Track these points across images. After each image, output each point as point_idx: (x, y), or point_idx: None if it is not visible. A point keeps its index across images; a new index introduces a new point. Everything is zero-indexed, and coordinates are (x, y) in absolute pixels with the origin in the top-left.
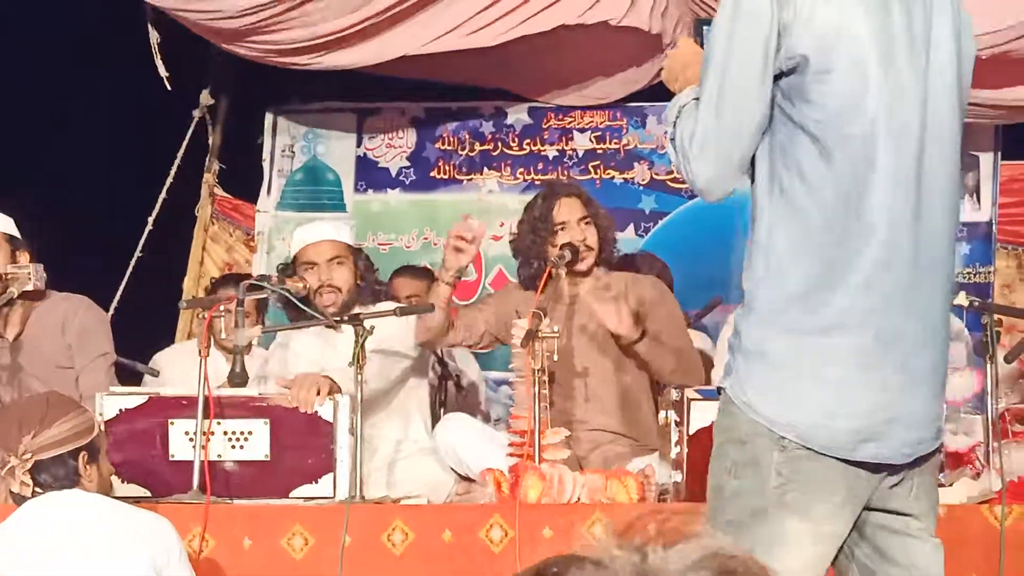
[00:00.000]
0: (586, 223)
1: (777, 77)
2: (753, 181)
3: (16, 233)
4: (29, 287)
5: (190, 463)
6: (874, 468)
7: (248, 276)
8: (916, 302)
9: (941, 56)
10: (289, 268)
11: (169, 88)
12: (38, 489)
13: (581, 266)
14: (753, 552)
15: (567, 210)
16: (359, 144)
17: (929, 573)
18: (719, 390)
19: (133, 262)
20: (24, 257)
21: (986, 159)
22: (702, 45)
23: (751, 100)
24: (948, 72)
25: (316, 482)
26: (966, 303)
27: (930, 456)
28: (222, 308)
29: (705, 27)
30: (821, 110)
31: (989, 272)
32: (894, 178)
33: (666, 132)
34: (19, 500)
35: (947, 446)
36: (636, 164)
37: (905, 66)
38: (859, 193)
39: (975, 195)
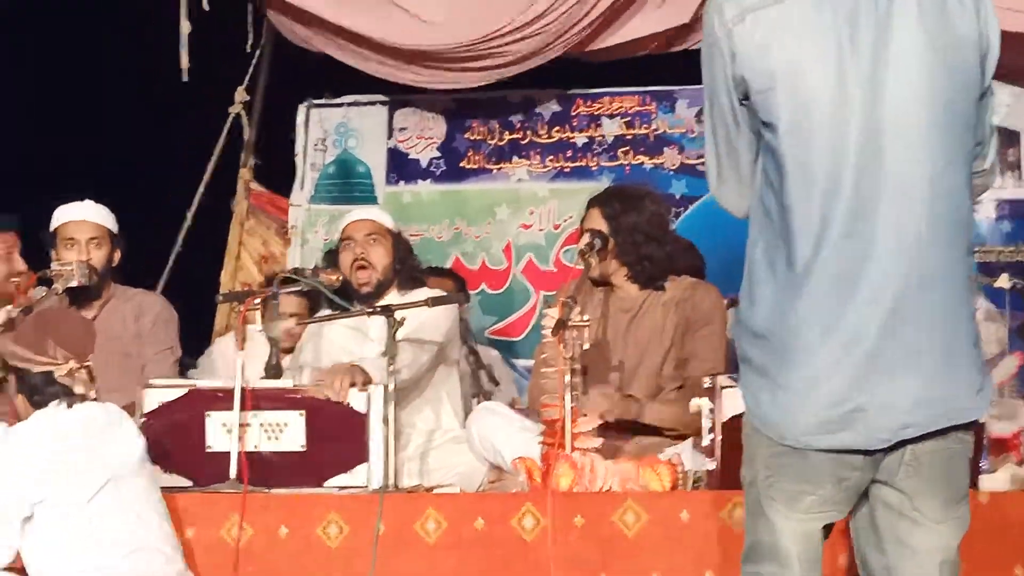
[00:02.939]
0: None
1: (745, 101)
2: None
3: (114, 228)
4: (74, 283)
5: (227, 454)
6: (860, 453)
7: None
8: (877, 297)
9: (904, 55)
10: (325, 263)
11: (186, 80)
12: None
13: (602, 269)
14: (757, 539)
15: (587, 220)
16: (390, 136)
17: (912, 561)
18: None
19: (173, 256)
20: (116, 254)
21: None
22: None
23: (731, 125)
24: (913, 68)
25: (350, 472)
26: (1008, 285)
27: (932, 440)
28: (257, 302)
29: None
30: (771, 129)
31: None
32: (833, 184)
33: None
34: (66, 399)
35: (990, 432)
36: (666, 149)
37: (846, 74)
38: (805, 204)
39: (1017, 170)
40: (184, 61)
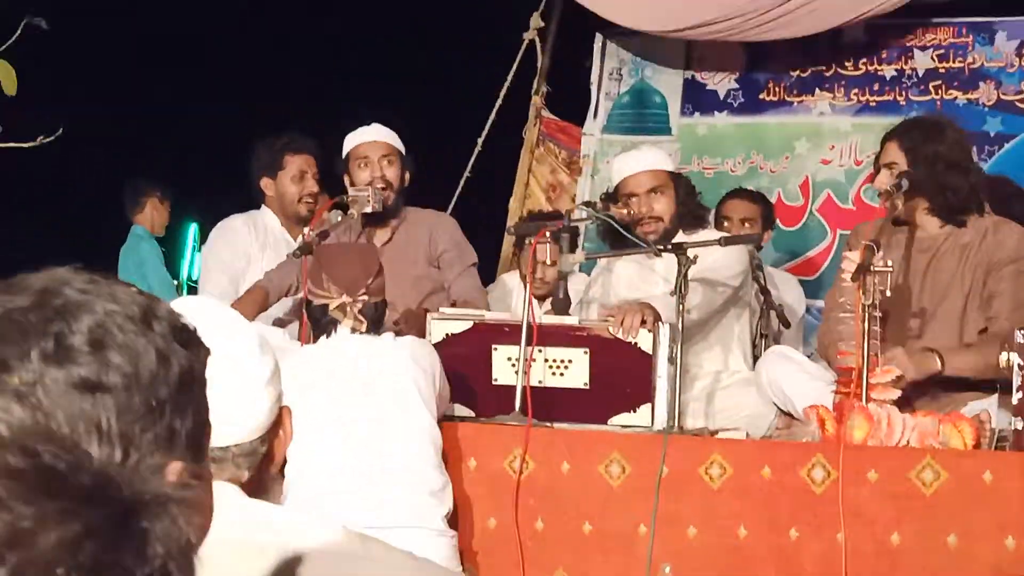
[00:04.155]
0: (892, 168)
1: None
2: None
3: (403, 150)
4: (368, 209)
5: (512, 387)
6: None
7: (554, 214)
8: None
9: None
10: (612, 196)
11: None
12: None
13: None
14: None
15: (884, 155)
16: (687, 66)
17: None
18: None
19: (462, 182)
20: (407, 175)
21: None
22: None
23: None
24: None
25: (634, 411)
26: None
27: None
28: (547, 234)
29: None
30: None
31: None
32: None
33: None
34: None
35: None
36: (982, 83)
37: None
38: None
39: None
40: None
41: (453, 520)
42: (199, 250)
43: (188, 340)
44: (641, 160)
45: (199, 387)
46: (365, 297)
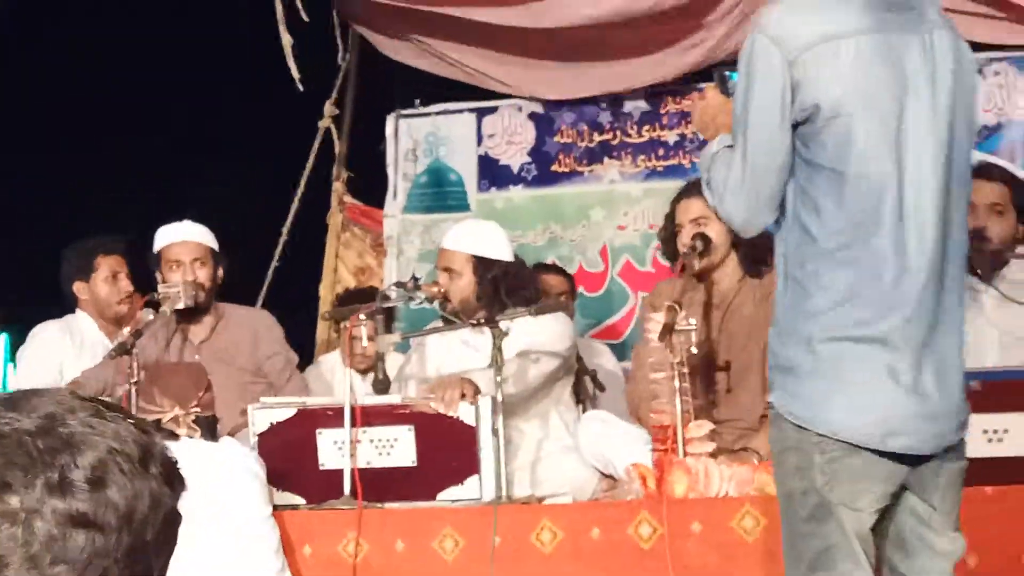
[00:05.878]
0: (702, 223)
1: (795, 126)
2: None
3: (216, 247)
4: (180, 305)
5: (340, 471)
6: (906, 459)
7: (373, 290)
8: (930, 310)
9: (943, 95)
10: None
11: (302, 89)
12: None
13: (707, 263)
14: (828, 542)
15: (684, 212)
16: (479, 143)
17: (936, 562)
18: (769, 404)
19: (271, 272)
20: (219, 272)
21: None
22: (728, 95)
23: (775, 148)
24: (948, 110)
25: (462, 484)
26: None
27: (955, 450)
28: (362, 317)
29: (730, 78)
30: (833, 153)
31: None
32: (901, 211)
33: (702, 178)
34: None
35: None
36: None
37: (912, 108)
38: (871, 224)
39: None
40: (295, 71)
41: None
42: (12, 360)
43: (175, 479)
44: (449, 239)
45: (176, 525)
46: (197, 409)
